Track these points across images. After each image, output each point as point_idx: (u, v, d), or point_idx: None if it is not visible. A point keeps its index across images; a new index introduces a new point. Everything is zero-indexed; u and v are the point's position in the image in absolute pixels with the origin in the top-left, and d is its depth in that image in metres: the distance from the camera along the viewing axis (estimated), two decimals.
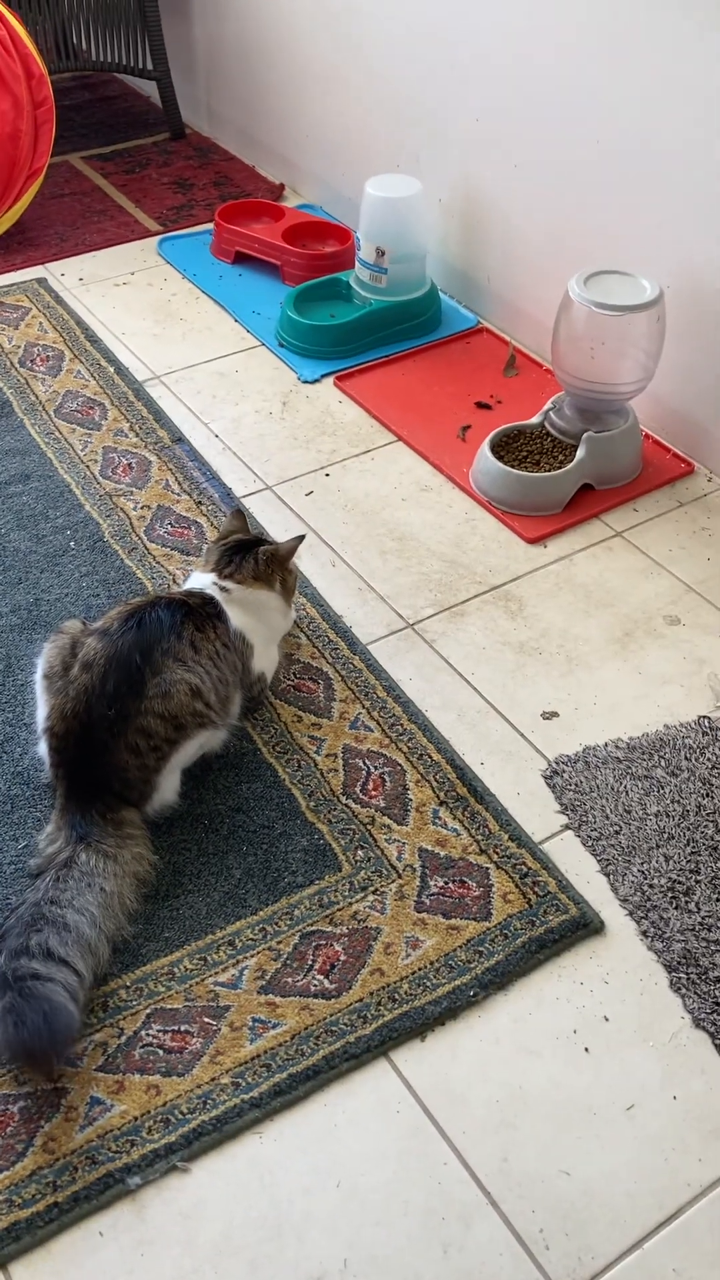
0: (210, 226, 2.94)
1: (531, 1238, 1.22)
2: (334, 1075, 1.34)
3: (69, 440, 2.26)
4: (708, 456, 2.23)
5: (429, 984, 1.41)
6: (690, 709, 1.77)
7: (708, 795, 1.63)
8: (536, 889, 1.51)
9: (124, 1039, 1.36)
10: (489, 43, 2.32)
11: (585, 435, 2.10)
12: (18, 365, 2.46)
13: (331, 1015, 1.38)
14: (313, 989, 1.41)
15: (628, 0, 2.00)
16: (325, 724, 1.73)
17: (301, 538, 1.74)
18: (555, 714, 1.76)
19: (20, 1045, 1.27)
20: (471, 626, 1.90)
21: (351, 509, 2.13)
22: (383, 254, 2.49)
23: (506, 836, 1.58)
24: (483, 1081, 1.34)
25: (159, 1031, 1.37)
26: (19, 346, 2.51)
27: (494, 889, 1.51)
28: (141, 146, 3.36)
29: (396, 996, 1.40)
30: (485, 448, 2.15)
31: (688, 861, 1.55)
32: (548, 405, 2.22)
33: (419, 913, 1.49)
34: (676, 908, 1.50)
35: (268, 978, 1.42)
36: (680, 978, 1.43)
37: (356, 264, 2.57)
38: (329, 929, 1.47)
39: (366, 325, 2.52)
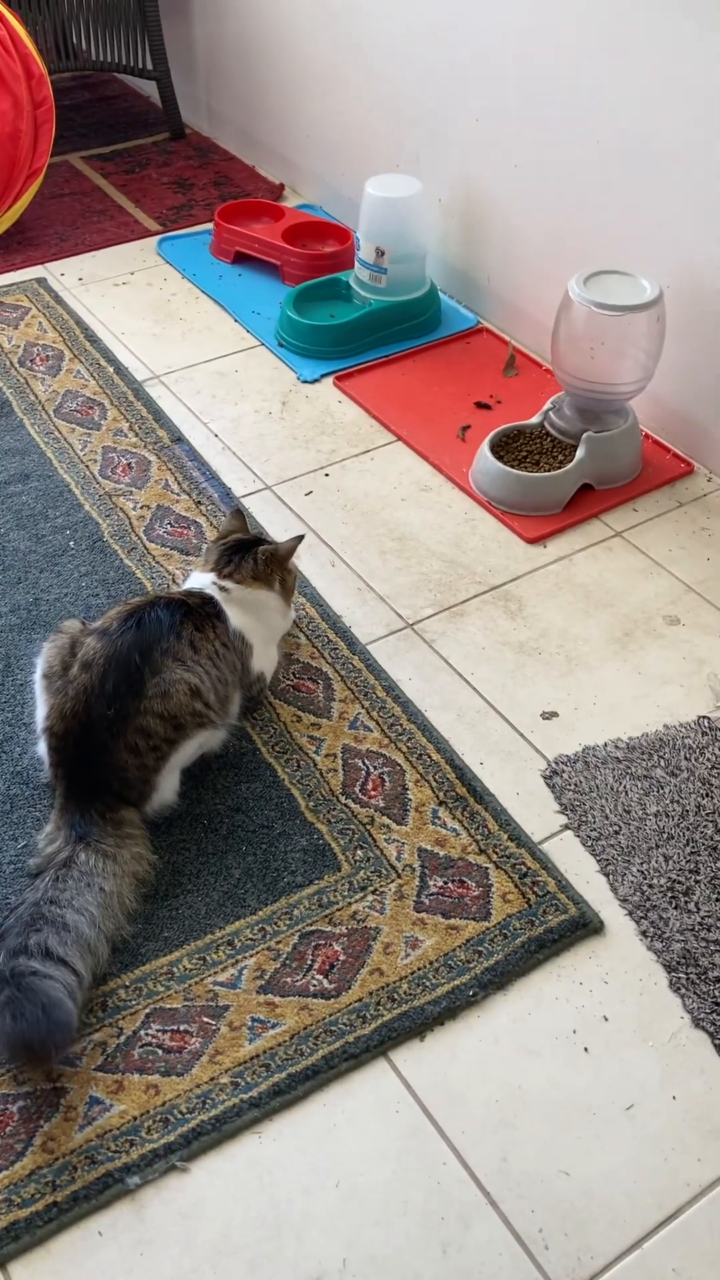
0: (210, 226, 2.94)
1: (531, 1237, 1.22)
2: (333, 1075, 1.34)
3: (68, 440, 2.26)
4: (707, 456, 2.23)
5: (428, 984, 1.41)
6: (690, 709, 1.77)
7: (707, 795, 1.63)
8: (536, 889, 1.51)
9: (123, 1039, 1.36)
10: (489, 43, 2.32)
11: (585, 435, 2.10)
12: (17, 365, 2.46)
13: (331, 1015, 1.38)
14: (312, 989, 1.41)
15: (628, 0, 2.00)
16: (325, 724, 1.73)
17: (301, 538, 1.74)
18: (555, 714, 1.76)
19: (18, 1038, 1.27)
20: (471, 626, 1.90)
21: (351, 509, 2.13)
22: (382, 254, 2.49)
23: (506, 836, 1.58)
24: (482, 1081, 1.34)
25: (158, 1031, 1.37)
26: (19, 346, 2.51)
27: (493, 889, 1.51)
28: (141, 146, 3.36)
29: (396, 996, 1.40)
30: (485, 448, 2.15)
31: (687, 861, 1.55)
32: (547, 405, 2.22)
33: (418, 912, 1.49)
34: (676, 908, 1.50)
35: (267, 977, 1.42)
36: (680, 978, 1.43)
37: (356, 264, 2.57)
38: (328, 929, 1.47)
39: (366, 325, 2.52)
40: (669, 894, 1.51)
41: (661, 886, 1.52)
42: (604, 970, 1.45)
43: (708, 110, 1.94)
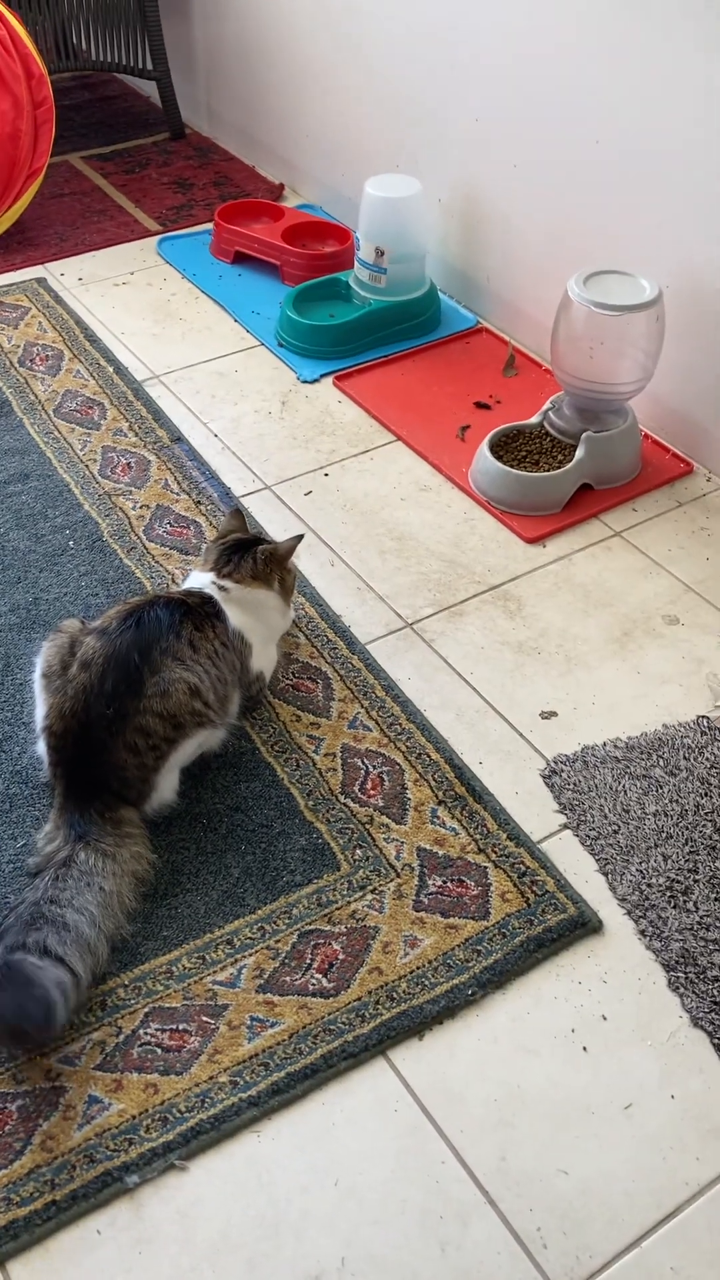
0: (210, 226, 2.94)
1: (529, 1236, 1.22)
2: (332, 1074, 1.34)
3: (68, 440, 2.26)
4: (707, 456, 2.23)
5: (427, 983, 1.41)
6: (689, 708, 1.77)
7: (706, 795, 1.63)
8: (535, 888, 1.51)
9: (122, 1037, 1.36)
10: (489, 43, 2.32)
11: (584, 435, 2.11)
12: (17, 365, 2.46)
13: (330, 1014, 1.38)
14: (311, 988, 1.41)
15: (628, 0, 2.00)
16: (324, 723, 1.73)
17: (300, 537, 1.74)
18: (554, 713, 1.76)
19: None
20: (470, 626, 1.90)
21: (350, 509, 2.13)
22: (382, 254, 2.49)
23: (505, 836, 1.58)
24: (481, 1080, 1.34)
25: (157, 1030, 1.37)
26: (18, 346, 2.51)
27: (492, 888, 1.51)
28: (141, 146, 3.36)
29: (395, 995, 1.40)
30: (484, 447, 2.15)
31: (686, 861, 1.55)
32: (547, 405, 2.22)
33: (417, 912, 1.49)
34: (675, 907, 1.50)
35: (266, 976, 1.42)
36: (678, 977, 1.43)
37: (356, 264, 2.58)
38: (327, 928, 1.47)
39: (366, 325, 2.52)
40: (668, 893, 1.51)
41: (660, 886, 1.52)
42: (603, 969, 1.45)
43: (708, 110, 1.94)
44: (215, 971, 1.43)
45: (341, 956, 1.44)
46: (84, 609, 1.89)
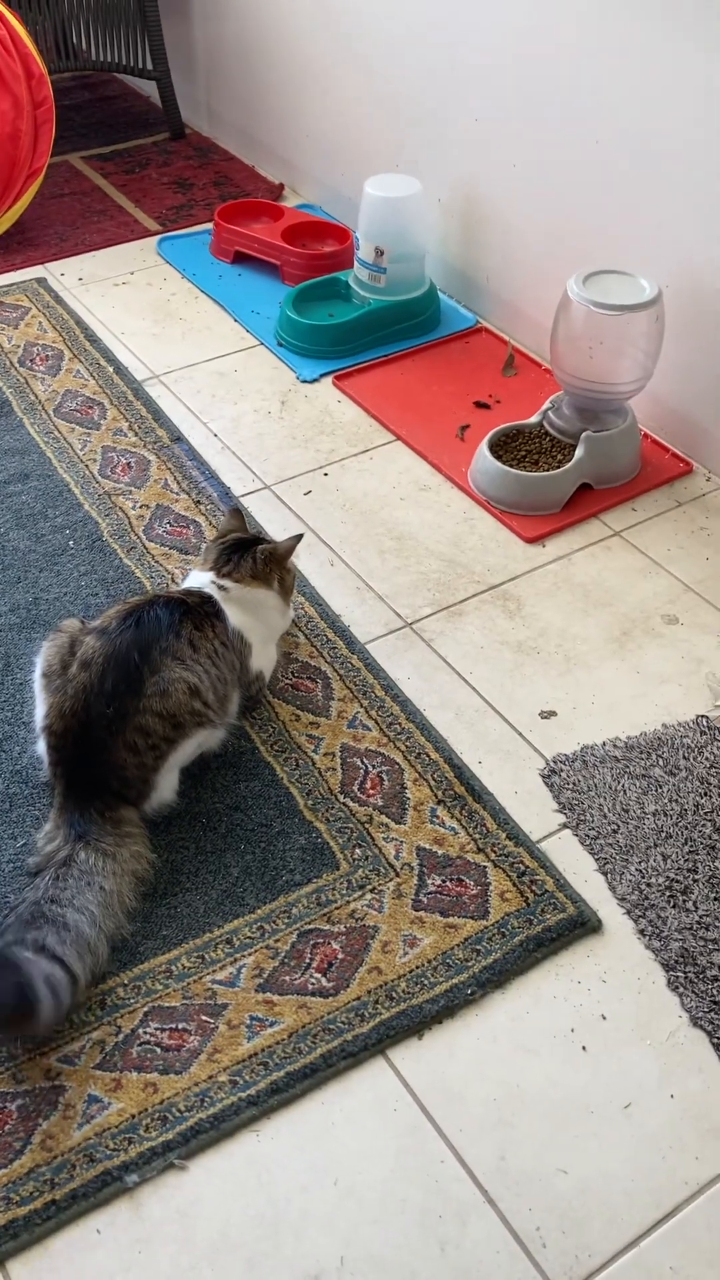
0: (210, 226, 2.94)
1: (529, 1236, 1.22)
2: (331, 1073, 1.34)
3: (68, 439, 2.26)
4: (706, 456, 2.23)
5: (426, 982, 1.41)
6: (688, 708, 1.77)
7: (705, 794, 1.63)
8: (534, 888, 1.51)
9: (122, 1037, 1.36)
10: (489, 43, 2.33)
11: (584, 435, 2.11)
12: (17, 365, 2.46)
13: (329, 1013, 1.38)
14: (310, 987, 1.41)
15: (627, 0, 2.00)
16: (323, 723, 1.73)
17: (300, 537, 1.74)
18: (553, 713, 1.76)
19: None
20: (470, 626, 1.90)
21: (350, 508, 2.13)
22: (382, 254, 2.49)
23: (504, 835, 1.58)
24: (480, 1080, 1.34)
25: (157, 1029, 1.37)
26: (18, 346, 2.52)
27: (491, 887, 1.52)
28: (141, 146, 3.37)
29: (394, 995, 1.40)
30: (484, 447, 2.15)
31: (685, 860, 1.55)
32: (546, 405, 2.22)
33: (416, 911, 1.49)
34: (674, 906, 1.50)
35: (265, 976, 1.42)
36: (678, 976, 1.43)
37: (355, 264, 2.58)
38: (327, 927, 1.47)
39: (365, 325, 2.53)
40: (667, 893, 1.51)
41: (659, 885, 1.52)
42: (602, 969, 1.45)
43: (708, 110, 1.94)
44: (214, 971, 1.43)
45: (341, 956, 1.44)
46: (84, 609, 1.89)
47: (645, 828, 1.59)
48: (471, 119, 2.44)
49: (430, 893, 1.51)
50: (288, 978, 1.42)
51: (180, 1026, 1.37)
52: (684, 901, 1.50)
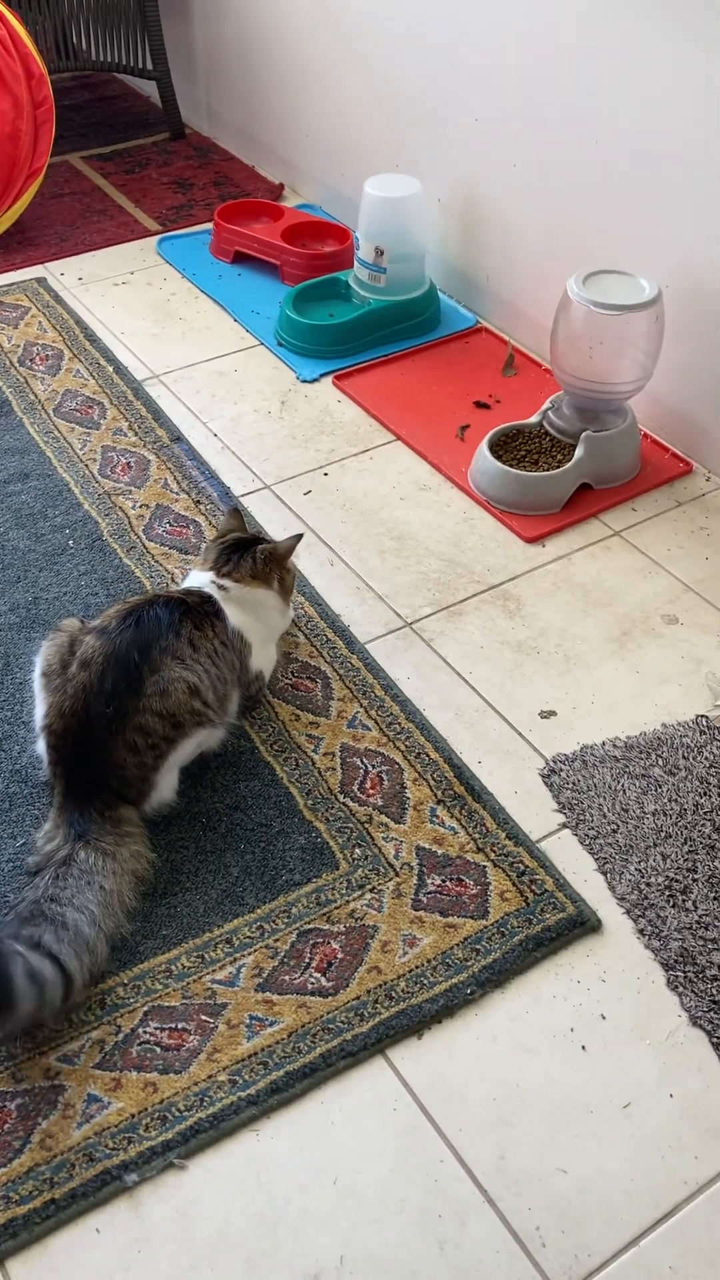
0: (210, 226, 2.94)
1: (528, 1235, 1.22)
2: (331, 1073, 1.34)
3: (68, 439, 2.26)
4: (706, 456, 2.23)
5: (426, 982, 1.41)
6: (688, 708, 1.77)
7: (705, 794, 1.63)
8: (534, 887, 1.52)
9: (121, 1036, 1.36)
10: (489, 43, 2.33)
11: (584, 434, 2.11)
12: (17, 364, 2.46)
13: (329, 1013, 1.38)
14: (310, 987, 1.41)
15: (627, 1, 2.00)
16: (323, 722, 1.73)
17: (299, 536, 1.74)
18: (553, 713, 1.76)
19: None
20: (469, 625, 1.90)
21: (350, 508, 2.13)
22: (382, 253, 2.49)
23: (504, 835, 1.58)
24: (479, 1079, 1.34)
25: (156, 1029, 1.37)
26: (18, 346, 2.52)
27: (491, 887, 1.52)
28: (141, 146, 3.37)
29: (393, 994, 1.40)
30: (484, 447, 2.15)
31: (685, 860, 1.55)
32: (546, 405, 2.22)
33: (416, 911, 1.49)
34: (674, 906, 1.50)
35: (265, 975, 1.42)
36: (677, 976, 1.43)
37: (355, 263, 2.58)
38: (326, 927, 1.47)
39: (365, 325, 2.53)
40: (666, 892, 1.51)
41: (659, 885, 1.52)
42: (601, 969, 1.45)
43: (707, 110, 1.94)
44: (214, 970, 1.43)
45: (340, 955, 1.44)
46: (83, 608, 1.89)
47: (645, 827, 1.59)
48: (471, 119, 2.44)
49: (430, 892, 1.51)
50: (287, 977, 1.42)
51: (180, 1026, 1.37)
52: (683, 901, 1.50)
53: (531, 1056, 1.36)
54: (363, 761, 1.67)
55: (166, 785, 1.55)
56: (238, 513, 1.79)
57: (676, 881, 1.52)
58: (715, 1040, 1.38)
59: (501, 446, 2.17)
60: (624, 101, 2.09)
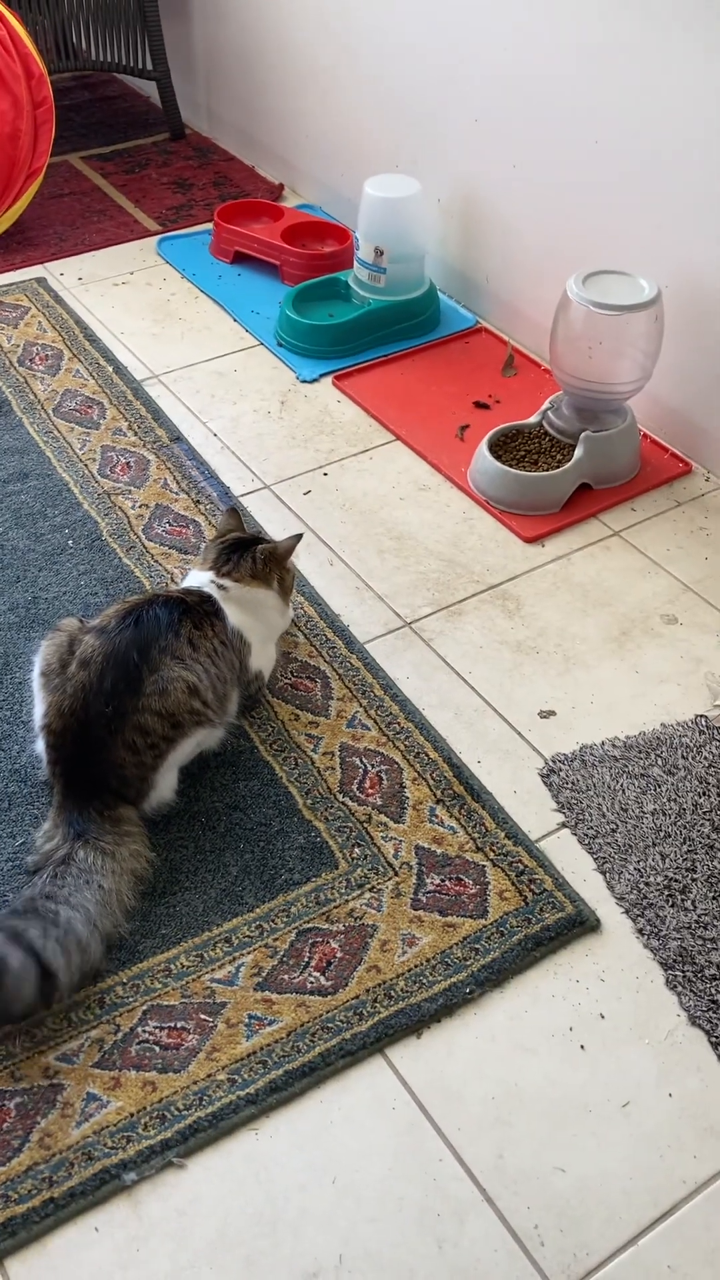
0: (209, 226, 2.94)
1: (526, 1234, 1.22)
2: (330, 1072, 1.34)
3: (67, 439, 2.26)
4: (706, 456, 2.24)
5: (425, 981, 1.42)
6: (687, 708, 1.77)
7: (704, 794, 1.63)
8: (533, 887, 1.52)
9: (120, 1035, 1.36)
10: (488, 43, 2.33)
11: (583, 435, 2.11)
12: (16, 364, 2.46)
13: (328, 1012, 1.38)
14: (309, 986, 1.41)
15: (627, 1, 2.00)
16: (322, 722, 1.73)
17: (299, 536, 1.74)
18: (552, 713, 1.76)
19: None
20: (469, 625, 1.90)
21: (349, 508, 2.14)
22: (381, 254, 2.49)
23: (503, 834, 1.58)
24: (478, 1079, 1.34)
25: (155, 1028, 1.37)
26: (18, 346, 2.52)
27: (490, 887, 1.52)
28: (141, 146, 3.37)
29: (393, 994, 1.40)
30: (483, 447, 2.15)
31: (684, 860, 1.55)
32: (546, 405, 2.22)
33: (415, 910, 1.49)
34: (672, 905, 1.50)
35: (264, 975, 1.42)
36: (676, 975, 1.43)
37: (355, 264, 2.58)
38: (325, 926, 1.47)
39: (365, 325, 2.53)
40: (665, 892, 1.51)
41: (658, 884, 1.52)
42: (600, 968, 1.45)
43: (707, 110, 1.94)
44: (213, 969, 1.43)
45: (339, 955, 1.44)
46: (83, 608, 1.89)
47: (644, 827, 1.59)
48: (471, 119, 2.44)
49: (429, 892, 1.51)
50: (286, 976, 1.42)
51: (179, 1025, 1.37)
52: (682, 901, 1.50)
53: (530, 1056, 1.36)
54: (362, 761, 1.67)
55: (166, 785, 1.55)
56: (235, 512, 1.79)
57: (675, 881, 1.52)
58: (714, 1040, 1.38)
59: (501, 446, 2.17)
60: (624, 102, 2.09)
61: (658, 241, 2.11)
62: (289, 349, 2.54)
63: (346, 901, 1.50)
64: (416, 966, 1.43)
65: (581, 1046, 1.38)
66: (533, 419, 2.22)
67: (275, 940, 1.46)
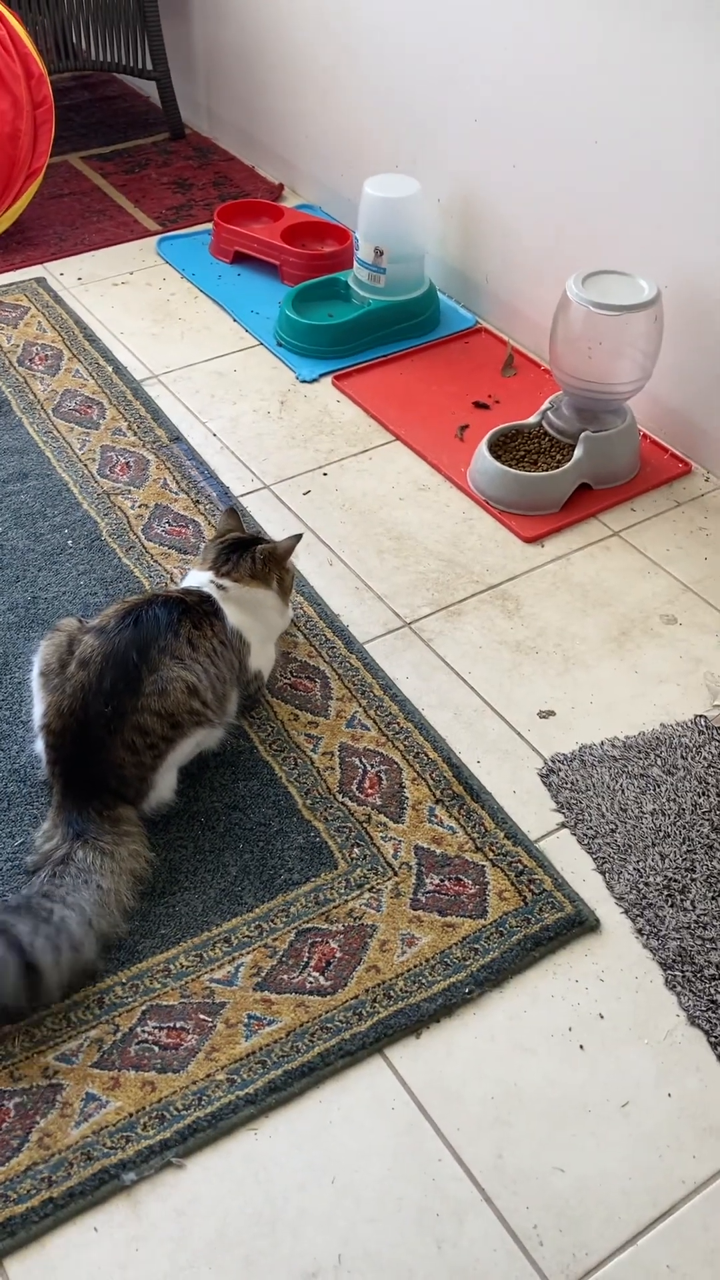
0: (209, 226, 2.94)
1: (525, 1234, 1.22)
2: (329, 1072, 1.34)
3: (67, 439, 2.26)
4: (705, 456, 2.24)
5: (424, 981, 1.41)
6: (687, 708, 1.77)
7: (703, 794, 1.63)
8: (532, 887, 1.52)
9: (120, 1035, 1.36)
10: (488, 44, 2.33)
11: (583, 435, 2.11)
12: (16, 364, 2.46)
13: (327, 1012, 1.38)
14: (308, 986, 1.41)
15: (626, 1, 2.00)
16: (322, 722, 1.73)
17: (299, 536, 1.74)
18: (552, 713, 1.76)
19: None
20: (468, 625, 1.90)
21: (349, 508, 2.14)
22: (381, 254, 2.49)
23: (502, 834, 1.58)
24: (478, 1079, 1.34)
25: (154, 1028, 1.37)
26: (18, 346, 2.52)
27: (489, 887, 1.52)
28: (141, 146, 3.37)
29: (392, 994, 1.40)
30: (483, 447, 2.15)
31: (683, 860, 1.55)
32: (545, 405, 2.22)
33: (415, 910, 1.49)
34: (672, 906, 1.50)
35: (263, 975, 1.42)
36: (675, 975, 1.43)
37: (355, 264, 2.58)
38: (325, 926, 1.47)
39: (365, 325, 2.53)
40: (665, 892, 1.51)
41: (657, 884, 1.52)
42: (600, 968, 1.45)
43: (706, 111, 1.94)
44: (213, 969, 1.43)
45: (339, 955, 1.44)
46: (82, 608, 1.89)
47: (643, 827, 1.59)
48: (471, 119, 2.44)
49: (428, 892, 1.51)
50: (286, 976, 1.42)
51: (178, 1025, 1.37)
52: (682, 901, 1.50)
53: (530, 1056, 1.36)
54: (361, 761, 1.67)
55: (165, 785, 1.55)
56: (233, 512, 1.79)
57: (675, 881, 1.52)
58: (713, 1040, 1.38)
59: (501, 446, 2.17)
60: (623, 102, 2.09)
61: (657, 241, 2.11)
62: (289, 349, 2.54)
63: (346, 901, 1.50)
64: (416, 966, 1.43)
65: (581, 1046, 1.38)
66: (532, 419, 2.22)
67: (274, 940, 1.46)
